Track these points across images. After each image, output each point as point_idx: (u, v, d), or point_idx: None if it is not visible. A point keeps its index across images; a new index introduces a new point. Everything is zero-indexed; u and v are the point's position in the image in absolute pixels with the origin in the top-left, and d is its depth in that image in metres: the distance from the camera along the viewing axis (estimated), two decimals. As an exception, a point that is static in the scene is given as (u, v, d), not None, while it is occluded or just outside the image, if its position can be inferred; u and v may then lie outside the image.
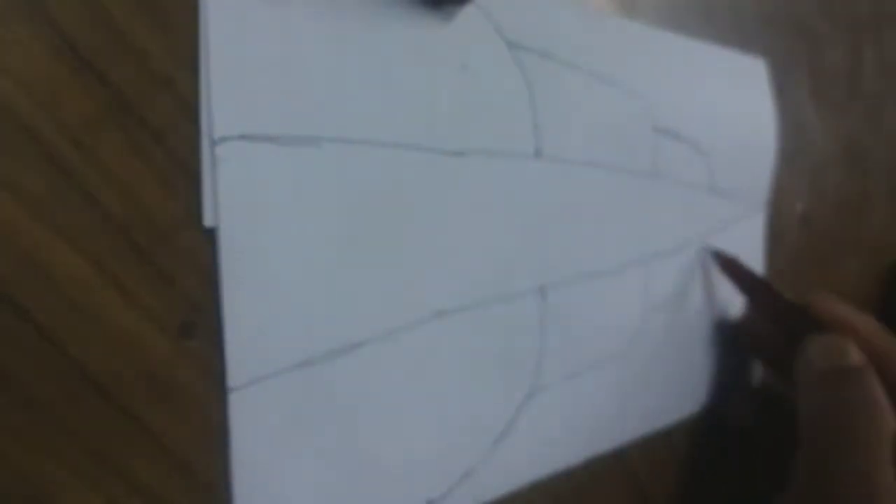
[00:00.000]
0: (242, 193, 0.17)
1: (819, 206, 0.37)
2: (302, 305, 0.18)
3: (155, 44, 0.16)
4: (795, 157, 0.36)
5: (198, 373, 0.17)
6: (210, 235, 0.17)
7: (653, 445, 0.29)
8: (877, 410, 0.25)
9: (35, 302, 0.15)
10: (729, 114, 0.32)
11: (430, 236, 0.21)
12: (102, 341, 0.16)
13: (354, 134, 0.19)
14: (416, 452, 0.21)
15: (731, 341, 0.32)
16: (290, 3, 0.17)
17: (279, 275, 0.17)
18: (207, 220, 0.17)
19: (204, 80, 0.17)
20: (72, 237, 0.15)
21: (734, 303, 0.33)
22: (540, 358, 0.24)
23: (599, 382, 0.26)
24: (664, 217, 0.29)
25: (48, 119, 0.15)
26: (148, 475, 0.17)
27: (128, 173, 0.16)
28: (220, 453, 0.17)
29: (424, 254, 0.21)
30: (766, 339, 0.32)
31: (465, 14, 0.22)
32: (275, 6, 0.17)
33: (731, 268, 0.30)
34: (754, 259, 0.34)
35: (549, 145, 0.24)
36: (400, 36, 0.20)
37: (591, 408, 0.26)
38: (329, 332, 0.18)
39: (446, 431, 0.22)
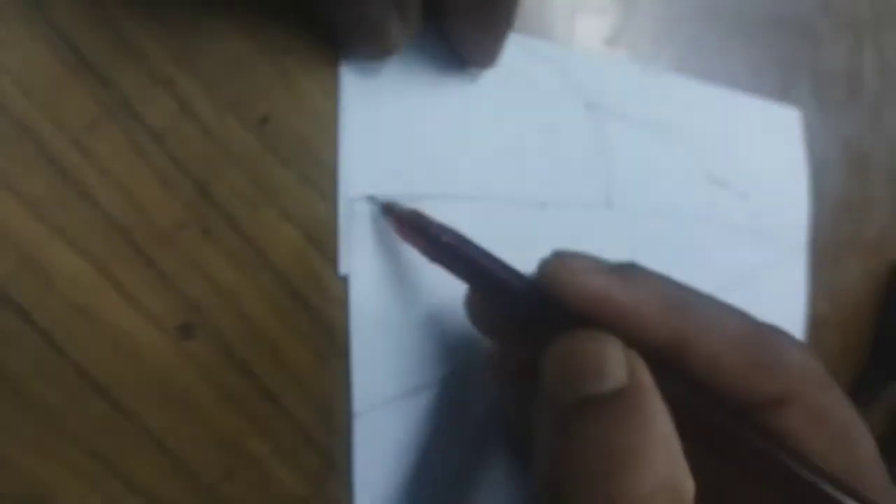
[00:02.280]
0: (367, 245, 0.20)
1: (819, 206, 0.37)
2: (413, 340, 0.21)
3: (155, 44, 0.16)
4: (796, 158, 0.36)
5: (197, 373, 0.17)
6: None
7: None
8: (645, 461, 0.14)
9: (35, 302, 0.15)
10: (768, 160, 0.34)
11: None
12: (102, 342, 0.16)
13: (456, 190, 0.22)
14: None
15: None
16: (405, 91, 0.21)
17: (396, 313, 0.20)
18: (342, 269, 0.19)
19: (342, 152, 0.19)
20: (72, 237, 0.15)
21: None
22: None
23: None
24: (714, 259, 0.31)
25: (48, 119, 0.15)
26: (148, 475, 0.17)
27: (128, 173, 0.16)
28: (220, 453, 0.17)
29: None
30: (502, 330, 0.20)
31: (549, 81, 0.24)
32: (394, 94, 0.20)
33: (415, 229, 0.19)
34: (797, 298, 0.35)
35: (618, 195, 0.26)
36: (492, 104, 0.23)
37: None
38: (431, 363, 0.21)
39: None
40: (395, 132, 0.20)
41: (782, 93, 0.35)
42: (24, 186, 0.15)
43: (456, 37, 0.21)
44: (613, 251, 0.26)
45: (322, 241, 0.19)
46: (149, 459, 0.17)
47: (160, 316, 0.17)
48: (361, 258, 0.19)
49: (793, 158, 0.36)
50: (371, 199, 0.20)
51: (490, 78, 0.22)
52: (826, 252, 0.38)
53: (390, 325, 0.20)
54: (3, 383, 0.15)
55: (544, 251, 0.24)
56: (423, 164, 0.21)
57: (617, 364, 0.16)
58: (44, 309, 0.15)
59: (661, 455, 0.15)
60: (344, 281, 0.19)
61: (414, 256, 0.20)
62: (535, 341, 0.17)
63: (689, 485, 0.15)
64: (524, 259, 0.23)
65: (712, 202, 0.30)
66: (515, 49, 0.23)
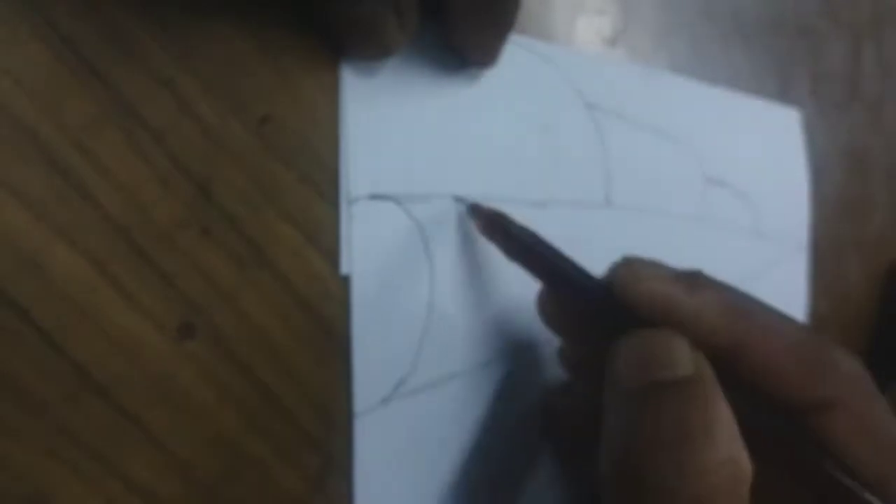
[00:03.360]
0: (369, 245, 0.20)
1: (819, 207, 0.37)
2: (413, 340, 0.21)
3: (155, 44, 0.16)
4: (795, 158, 0.36)
5: (197, 373, 0.17)
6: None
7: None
8: (713, 436, 0.16)
9: (35, 302, 0.15)
10: (768, 161, 0.34)
11: (516, 280, 0.23)
12: (102, 342, 0.16)
13: (455, 189, 0.22)
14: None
15: None
16: (405, 90, 0.21)
17: (397, 313, 0.20)
18: (343, 269, 0.19)
19: (343, 151, 0.19)
20: (72, 237, 0.15)
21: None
22: None
23: None
24: (715, 258, 0.31)
25: (48, 119, 0.15)
26: (148, 475, 0.17)
27: (128, 173, 0.16)
28: (220, 453, 0.17)
29: (510, 296, 0.23)
30: (570, 327, 0.21)
31: (549, 81, 0.25)
32: (395, 94, 0.21)
33: (497, 228, 0.21)
34: (798, 298, 0.36)
35: (617, 194, 0.26)
36: (492, 103, 0.23)
37: None
38: (431, 363, 0.21)
39: None
40: (395, 132, 0.20)
41: (782, 93, 0.35)
42: (24, 186, 0.15)
43: (456, 37, 0.21)
44: (612, 251, 0.26)
45: (322, 241, 0.19)
46: (149, 459, 0.17)
47: (160, 316, 0.17)
48: (362, 258, 0.19)
49: (793, 159, 0.36)
50: (458, 199, 0.21)
51: (490, 78, 0.22)
52: (826, 252, 0.38)
53: (391, 324, 0.20)
54: (3, 383, 0.15)
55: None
56: (423, 164, 0.21)
57: (685, 356, 0.17)
58: (43, 308, 0.15)
59: (725, 433, 0.16)
60: (344, 281, 0.19)
61: (414, 256, 0.21)
62: (604, 339, 0.18)
63: (748, 464, 0.16)
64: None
65: (712, 202, 0.31)
66: (515, 49, 0.23)
